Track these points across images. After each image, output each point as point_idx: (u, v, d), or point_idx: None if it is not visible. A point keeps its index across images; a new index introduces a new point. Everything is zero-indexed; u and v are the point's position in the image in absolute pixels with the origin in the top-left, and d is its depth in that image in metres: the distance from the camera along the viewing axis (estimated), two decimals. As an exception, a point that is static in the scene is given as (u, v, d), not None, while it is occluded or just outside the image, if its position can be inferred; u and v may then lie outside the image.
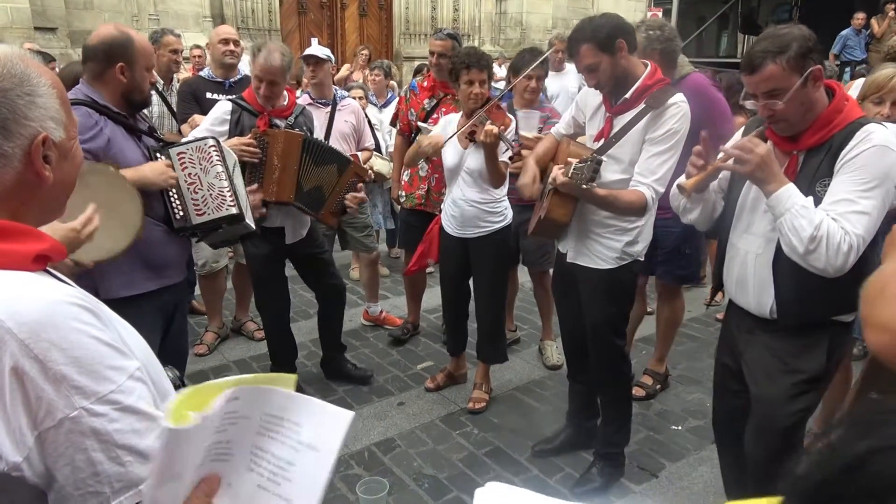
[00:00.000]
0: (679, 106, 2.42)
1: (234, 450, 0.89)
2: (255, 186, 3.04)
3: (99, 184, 2.06)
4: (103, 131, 2.30)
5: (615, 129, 2.51)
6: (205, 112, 3.73)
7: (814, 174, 1.90)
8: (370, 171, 3.47)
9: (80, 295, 0.92)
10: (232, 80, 4.05)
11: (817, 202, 1.85)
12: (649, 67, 2.50)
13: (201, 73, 4.26)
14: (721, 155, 2.00)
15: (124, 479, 0.88)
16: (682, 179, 2.13)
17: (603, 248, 2.62)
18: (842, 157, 1.85)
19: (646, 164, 2.45)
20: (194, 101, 3.93)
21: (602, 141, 2.55)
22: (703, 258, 4.07)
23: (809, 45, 1.84)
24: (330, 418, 0.89)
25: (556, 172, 2.45)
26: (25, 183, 0.94)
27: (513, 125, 3.23)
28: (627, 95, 2.47)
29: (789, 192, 1.83)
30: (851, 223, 1.79)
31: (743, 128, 2.22)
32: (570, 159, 2.48)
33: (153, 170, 2.40)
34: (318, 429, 0.89)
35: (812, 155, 1.92)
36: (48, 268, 0.98)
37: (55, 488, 0.86)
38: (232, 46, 4.02)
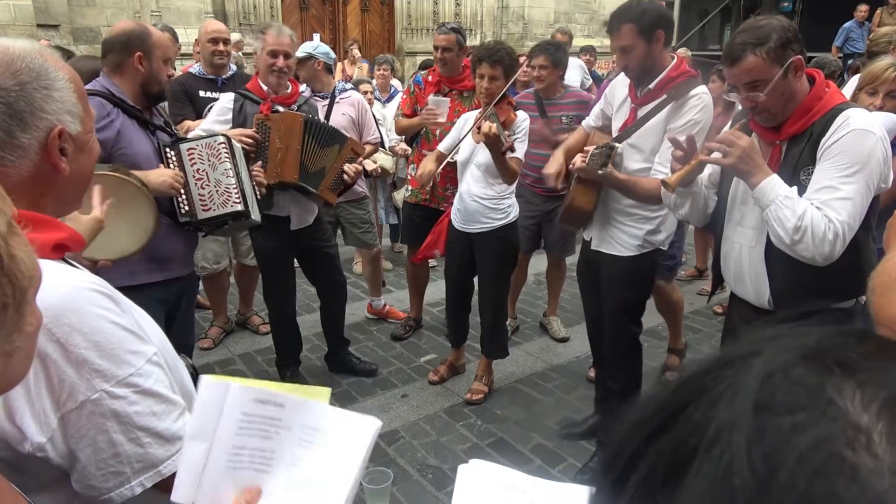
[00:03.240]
0: (700, 97, 2.46)
1: (276, 460, 0.92)
2: (258, 163, 3.01)
3: (113, 186, 2.10)
4: (114, 123, 2.36)
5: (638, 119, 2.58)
6: (198, 111, 3.73)
7: (796, 163, 1.90)
8: (368, 155, 3.42)
9: (99, 281, 0.95)
10: (224, 76, 3.90)
11: (802, 191, 1.84)
12: (675, 59, 2.56)
13: (191, 70, 4.04)
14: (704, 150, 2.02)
15: (144, 460, 0.91)
16: (665, 176, 2.16)
17: (625, 236, 2.69)
18: (822, 144, 1.84)
19: (666, 154, 2.46)
20: (187, 99, 3.81)
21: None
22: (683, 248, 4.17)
23: (789, 35, 1.83)
24: (358, 426, 0.95)
25: (577, 158, 2.54)
26: (43, 174, 0.97)
27: (520, 121, 3.25)
28: (651, 86, 2.53)
29: (773, 184, 1.82)
30: (835, 210, 1.78)
31: (730, 121, 2.23)
32: (587, 147, 2.56)
33: (158, 176, 2.43)
34: (348, 436, 0.94)
35: (794, 143, 1.92)
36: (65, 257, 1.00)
37: (77, 468, 0.90)
38: (221, 46, 3.83)
